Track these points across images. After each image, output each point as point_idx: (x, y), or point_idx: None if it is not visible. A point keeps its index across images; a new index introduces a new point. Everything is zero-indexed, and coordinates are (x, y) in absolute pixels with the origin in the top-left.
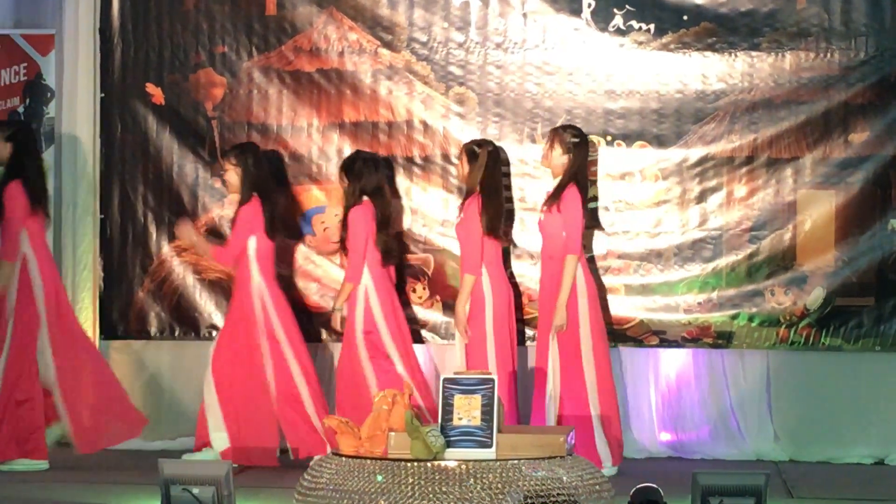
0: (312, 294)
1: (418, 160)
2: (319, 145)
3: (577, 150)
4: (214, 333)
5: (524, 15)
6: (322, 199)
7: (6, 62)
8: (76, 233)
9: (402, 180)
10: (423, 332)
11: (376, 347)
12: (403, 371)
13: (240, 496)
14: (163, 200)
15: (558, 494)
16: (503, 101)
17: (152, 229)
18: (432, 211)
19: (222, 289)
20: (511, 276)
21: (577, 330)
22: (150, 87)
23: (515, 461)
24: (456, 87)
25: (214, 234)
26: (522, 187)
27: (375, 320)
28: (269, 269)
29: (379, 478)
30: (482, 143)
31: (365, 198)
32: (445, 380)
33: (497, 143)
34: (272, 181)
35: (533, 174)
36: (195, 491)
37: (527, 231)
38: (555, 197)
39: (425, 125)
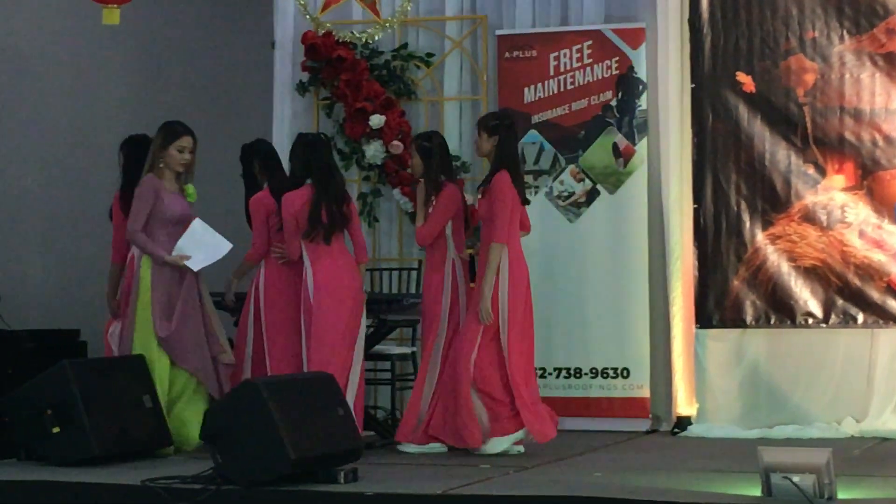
0: None
1: None
2: None
3: (502, 133)
4: (811, 321)
5: None
6: None
7: (599, 57)
8: (669, 223)
9: None
10: None
11: None
12: None
13: (840, 484)
14: (755, 188)
15: None
16: None
17: (746, 217)
18: None
19: (817, 276)
20: None
21: (496, 318)
22: (741, 76)
23: None
24: None
25: (808, 219)
26: None
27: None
28: None
29: None
30: (430, 136)
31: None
32: None
33: None
34: None
35: None
36: (795, 479)
37: None
38: (485, 182)
39: None
